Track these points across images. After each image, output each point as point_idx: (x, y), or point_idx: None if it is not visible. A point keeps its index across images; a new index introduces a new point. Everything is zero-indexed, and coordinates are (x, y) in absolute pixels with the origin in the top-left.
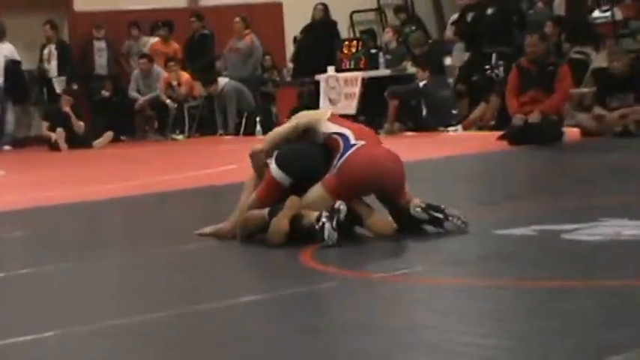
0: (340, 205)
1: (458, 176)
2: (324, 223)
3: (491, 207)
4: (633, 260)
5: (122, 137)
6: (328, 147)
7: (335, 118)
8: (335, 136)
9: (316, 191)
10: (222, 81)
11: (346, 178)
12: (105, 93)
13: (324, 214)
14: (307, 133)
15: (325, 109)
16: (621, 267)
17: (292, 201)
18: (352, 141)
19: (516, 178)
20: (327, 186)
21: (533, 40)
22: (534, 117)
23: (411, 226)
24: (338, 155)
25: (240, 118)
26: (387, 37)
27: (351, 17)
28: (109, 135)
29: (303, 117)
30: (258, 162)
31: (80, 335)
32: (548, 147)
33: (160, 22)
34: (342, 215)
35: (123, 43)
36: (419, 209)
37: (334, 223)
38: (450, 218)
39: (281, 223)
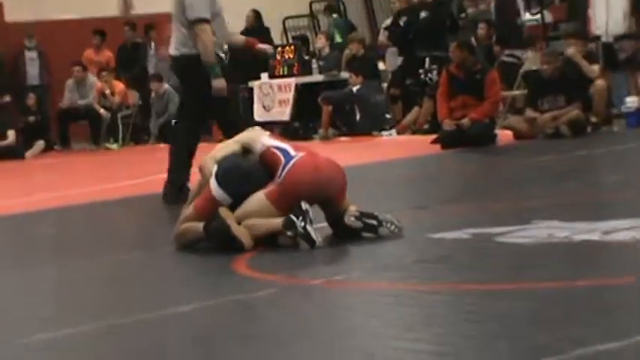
0: (306, 205)
1: (392, 180)
2: (305, 228)
3: (425, 211)
4: (565, 262)
5: (55, 147)
6: (267, 162)
7: (273, 135)
8: (274, 150)
9: (258, 201)
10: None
11: (290, 187)
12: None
13: (295, 220)
14: (246, 151)
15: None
16: (553, 269)
17: (225, 212)
18: (292, 153)
19: (450, 182)
20: (270, 197)
21: (452, 47)
22: (464, 124)
23: (346, 233)
24: (280, 167)
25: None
26: (320, 43)
27: (283, 23)
28: (40, 144)
29: (244, 136)
30: (207, 175)
31: (13, 348)
32: (481, 150)
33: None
34: (311, 214)
35: (57, 51)
36: (353, 218)
37: (312, 224)
38: (384, 224)
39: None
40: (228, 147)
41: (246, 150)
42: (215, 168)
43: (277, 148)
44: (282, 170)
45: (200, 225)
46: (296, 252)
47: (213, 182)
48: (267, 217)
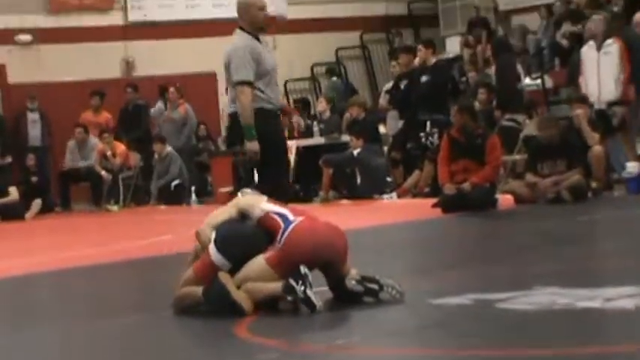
0: (305, 269)
1: (393, 244)
2: (305, 293)
3: (427, 276)
4: (566, 329)
5: (56, 208)
6: (266, 227)
7: (271, 200)
8: (273, 215)
9: (258, 266)
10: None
11: (290, 252)
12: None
13: (295, 285)
14: (243, 216)
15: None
16: (554, 336)
17: (225, 277)
18: (291, 217)
19: (451, 246)
20: (270, 262)
21: (454, 111)
22: (465, 188)
23: (347, 298)
24: (280, 232)
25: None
26: (321, 106)
27: (285, 86)
28: (37, 203)
29: (241, 201)
30: (205, 242)
31: None
32: (482, 214)
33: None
34: (310, 278)
35: (58, 113)
36: (354, 282)
37: (312, 288)
38: (385, 288)
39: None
40: (225, 213)
41: (243, 215)
42: (213, 234)
43: (276, 213)
44: (282, 235)
45: (199, 290)
46: (296, 316)
47: (212, 248)
48: (268, 282)
